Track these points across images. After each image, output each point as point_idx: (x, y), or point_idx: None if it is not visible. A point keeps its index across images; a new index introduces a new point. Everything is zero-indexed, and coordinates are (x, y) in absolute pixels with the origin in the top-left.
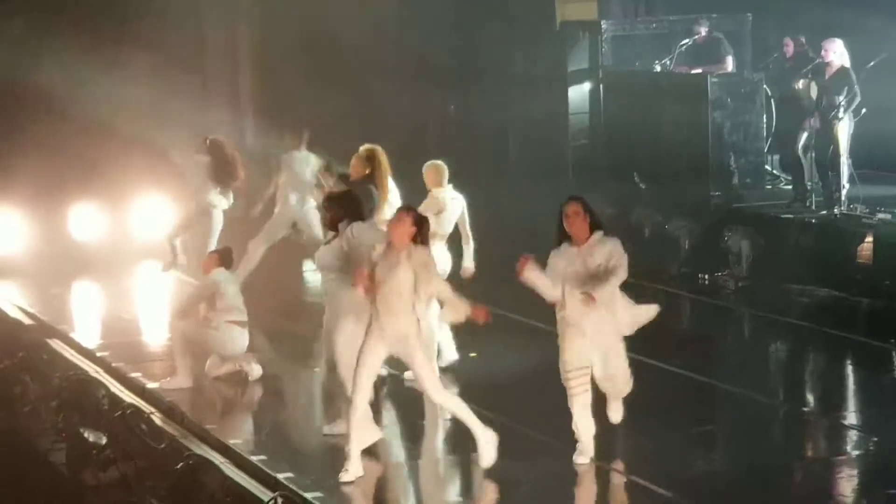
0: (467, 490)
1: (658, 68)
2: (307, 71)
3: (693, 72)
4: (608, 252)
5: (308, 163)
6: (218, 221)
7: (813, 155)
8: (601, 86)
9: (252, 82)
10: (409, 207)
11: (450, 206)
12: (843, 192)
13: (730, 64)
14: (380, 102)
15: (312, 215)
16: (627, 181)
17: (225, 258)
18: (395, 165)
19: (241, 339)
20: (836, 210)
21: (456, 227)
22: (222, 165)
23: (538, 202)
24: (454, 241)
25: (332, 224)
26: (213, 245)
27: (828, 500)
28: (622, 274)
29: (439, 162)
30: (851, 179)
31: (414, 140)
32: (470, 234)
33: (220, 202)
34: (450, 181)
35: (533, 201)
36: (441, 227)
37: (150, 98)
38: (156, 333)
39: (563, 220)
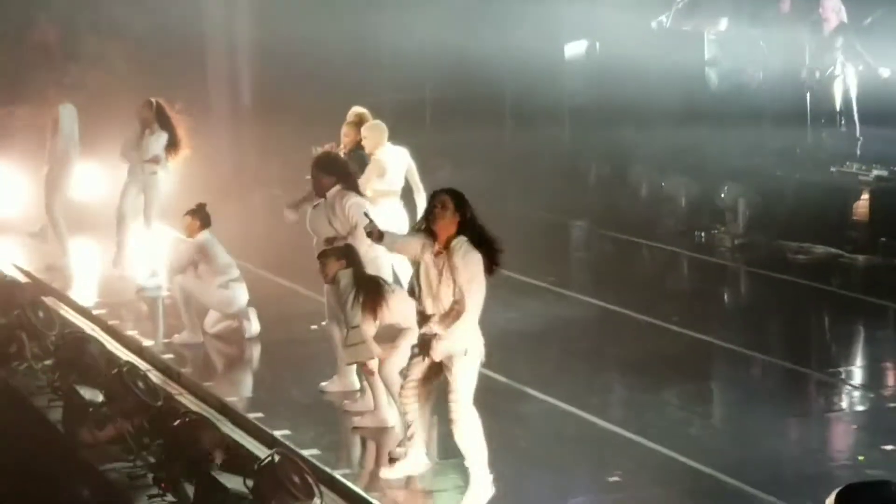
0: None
1: (654, 26)
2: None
3: (689, 29)
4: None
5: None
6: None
7: (811, 110)
8: (597, 43)
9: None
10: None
11: (392, 163)
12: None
13: (723, 23)
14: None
15: None
16: (623, 138)
17: (204, 218)
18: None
19: (239, 296)
20: (832, 167)
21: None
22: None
23: (534, 156)
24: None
25: (321, 191)
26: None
27: (824, 455)
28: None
29: (377, 122)
30: (851, 134)
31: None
32: (420, 185)
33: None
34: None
35: (528, 156)
36: (391, 185)
37: (146, 55)
38: (152, 291)
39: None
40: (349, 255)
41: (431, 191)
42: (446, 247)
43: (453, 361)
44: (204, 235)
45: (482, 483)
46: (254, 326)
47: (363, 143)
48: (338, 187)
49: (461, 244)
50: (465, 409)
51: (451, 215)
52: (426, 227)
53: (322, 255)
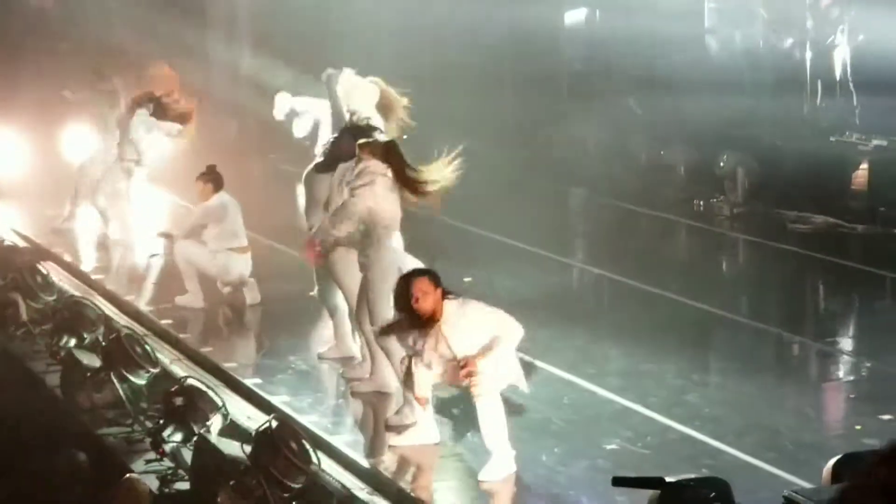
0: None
1: None
2: None
3: None
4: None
5: None
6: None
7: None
8: (597, 11)
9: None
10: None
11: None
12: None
13: None
14: None
15: None
16: (622, 106)
17: (216, 180)
18: None
19: (243, 265)
20: (831, 136)
21: None
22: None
23: (532, 124)
24: None
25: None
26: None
27: (821, 424)
28: None
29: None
30: (850, 104)
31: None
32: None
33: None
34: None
35: (526, 124)
36: None
37: (148, 19)
38: (152, 257)
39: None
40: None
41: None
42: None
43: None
44: (219, 198)
45: (504, 459)
46: (255, 296)
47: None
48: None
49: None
50: (490, 385)
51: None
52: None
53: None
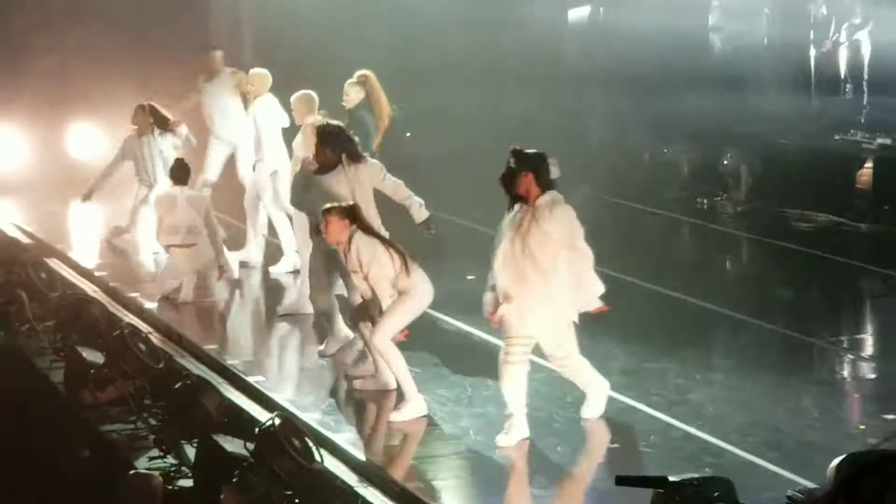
0: (477, 413)
1: None
2: None
3: None
4: None
5: None
6: None
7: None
8: (601, 9)
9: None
10: (332, 208)
11: None
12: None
13: None
14: None
15: None
16: (625, 104)
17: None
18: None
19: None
20: (836, 135)
21: None
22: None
23: (535, 121)
24: None
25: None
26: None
27: (825, 424)
28: None
29: (308, 92)
30: (855, 102)
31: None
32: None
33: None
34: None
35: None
36: None
37: (149, 23)
38: (154, 254)
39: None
40: (355, 214)
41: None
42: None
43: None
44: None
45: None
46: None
47: (293, 113)
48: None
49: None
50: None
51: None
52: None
53: (326, 213)
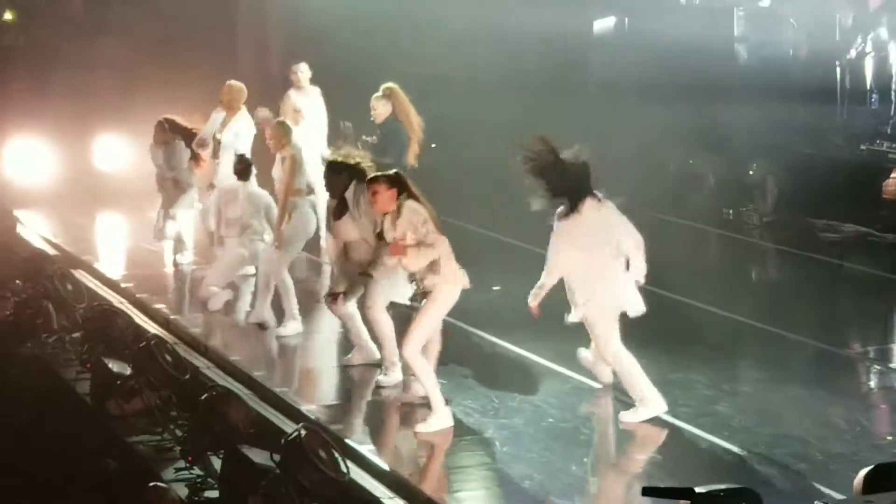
0: (489, 417)
1: (683, 1)
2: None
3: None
4: None
5: None
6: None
7: (841, 87)
8: (626, 19)
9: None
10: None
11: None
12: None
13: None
14: None
15: None
16: (651, 114)
17: None
18: None
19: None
20: (862, 145)
21: None
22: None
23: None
24: None
25: (337, 193)
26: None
27: (852, 435)
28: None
29: (280, 121)
30: (881, 112)
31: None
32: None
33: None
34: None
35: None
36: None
37: (176, 35)
38: (179, 265)
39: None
40: (402, 182)
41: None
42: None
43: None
44: None
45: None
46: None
47: (268, 142)
48: (353, 185)
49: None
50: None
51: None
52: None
53: (373, 183)
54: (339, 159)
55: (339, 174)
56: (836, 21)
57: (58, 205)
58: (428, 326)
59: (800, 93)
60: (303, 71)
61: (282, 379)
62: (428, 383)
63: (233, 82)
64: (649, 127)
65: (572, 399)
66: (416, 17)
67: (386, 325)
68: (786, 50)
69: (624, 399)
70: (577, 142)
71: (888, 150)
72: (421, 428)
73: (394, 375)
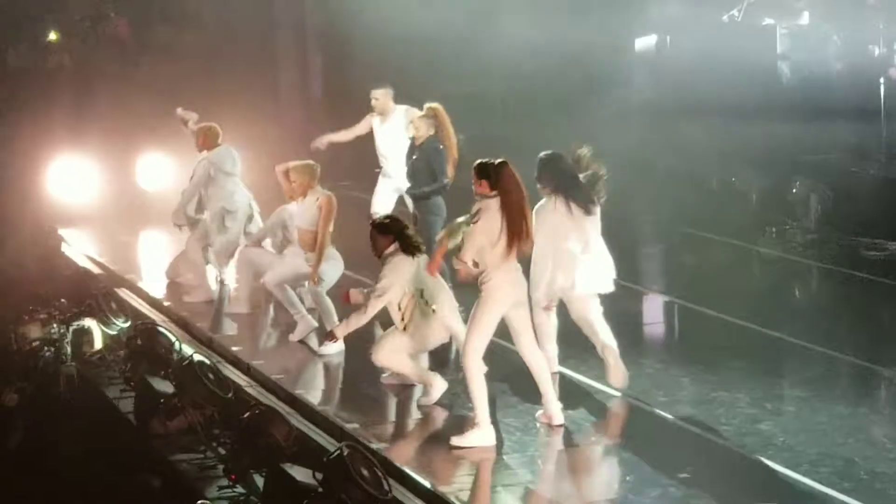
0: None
1: (726, 19)
2: None
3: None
4: None
5: None
6: None
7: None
8: (668, 37)
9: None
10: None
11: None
12: None
13: (804, 17)
14: None
15: None
16: (693, 132)
17: None
18: None
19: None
20: None
21: None
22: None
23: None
24: None
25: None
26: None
27: (895, 453)
28: None
29: (308, 163)
30: None
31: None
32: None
33: None
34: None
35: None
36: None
37: (218, 54)
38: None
39: None
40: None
41: None
42: None
43: None
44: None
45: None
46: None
47: (291, 185)
48: (394, 247)
49: None
50: None
51: None
52: None
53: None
54: (387, 221)
55: (385, 235)
56: (878, 37)
57: (102, 224)
58: (487, 327)
59: (843, 109)
60: (378, 97)
61: (324, 397)
62: (477, 396)
63: (304, 164)
64: (692, 145)
65: (613, 416)
66: (455, 36)
67: (479, 379)
68: (829, 67)
69: (665, 417)
70: (618, 161)
71: None
72: (456, 441)
73: (434, 394)
